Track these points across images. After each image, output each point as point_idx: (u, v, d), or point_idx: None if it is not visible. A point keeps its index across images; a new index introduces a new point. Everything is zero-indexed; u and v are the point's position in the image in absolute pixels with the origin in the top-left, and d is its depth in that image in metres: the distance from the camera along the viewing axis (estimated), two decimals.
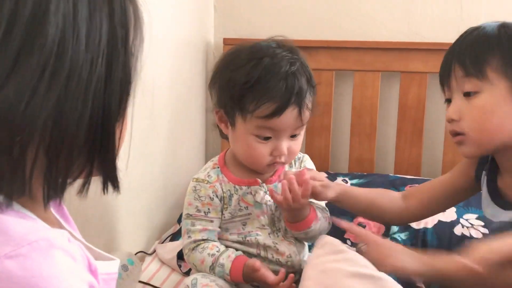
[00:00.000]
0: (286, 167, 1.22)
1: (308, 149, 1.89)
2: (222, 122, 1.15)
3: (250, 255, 1.14)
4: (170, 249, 1.38)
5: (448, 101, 1.04)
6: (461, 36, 1.03)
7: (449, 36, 1.80)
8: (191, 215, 1.14)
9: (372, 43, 1.82)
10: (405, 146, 1.84)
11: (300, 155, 1.25)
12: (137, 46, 0.56)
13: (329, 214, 1.21)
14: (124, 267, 1.14)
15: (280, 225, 1.17)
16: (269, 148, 1.09)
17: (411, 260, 0.91)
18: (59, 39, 0.47)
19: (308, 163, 1.25)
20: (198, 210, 1.13)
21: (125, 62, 0.53)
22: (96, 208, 1.22)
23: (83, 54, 0.48)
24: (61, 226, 0.58)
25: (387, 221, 1.31)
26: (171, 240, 1.45)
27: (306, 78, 1.10)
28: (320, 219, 1.16)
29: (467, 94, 0.97)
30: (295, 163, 1.23)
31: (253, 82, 1.05)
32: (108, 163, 0.54)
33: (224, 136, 1.19)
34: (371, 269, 0.87)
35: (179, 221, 1.56)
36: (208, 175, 1.16)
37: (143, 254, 1.42)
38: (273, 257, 1.14)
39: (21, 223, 0.48)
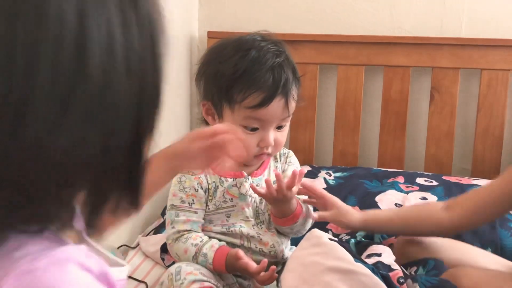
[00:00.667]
0: (271, 161, 1.23)
1: (292, 142, 1.89)
2: (209, 115, 1.15)
3: (233, 245, 1.15)
4: (153, 242, 1.38)
5: None
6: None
7: (432, 30, 1.84)
8: (175, 206, 1.15)
9: (355, 37, 1.83)
10: (388, 139, 1.85)
11: (285, 150, 1.26)
12: (163, 60, 0.53)
13: (312, 209, 1.22)
14: None
15: (264, 218, 1.18)
16: (256, 139, 1.11)
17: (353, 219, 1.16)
18: (101, 77, 0.44)
19: (293, 159, 1.27)
20: (183, 201, 1.14)
21: (155, 80, 0.50)
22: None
23: (124, 86, 0.46)
24: (80, 238, 0.57)
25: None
26: (155, 233, 1.45)
27: (292, 70, 1.12)
28: (306, 214, 1.18)
29: None
30: (280, 158, 1.24)
31: (240, 72, 1.07)
32: (138, 186, 0.52)
33: None
34: (348, 262, 0.88)
35: (163, 214, 1.56)
36: None
37: (126, 247, 1.42)
38: (256, 247, 1.15)
39: (42, 240, 0.47)
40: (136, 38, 0.47)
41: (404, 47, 1.80)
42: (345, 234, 1.38)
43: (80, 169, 0.45)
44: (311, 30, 1.88)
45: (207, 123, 1.18)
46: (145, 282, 1.21)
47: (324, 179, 1.61)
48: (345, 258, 0.89)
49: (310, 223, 1.21)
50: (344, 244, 0.94)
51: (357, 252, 1.20)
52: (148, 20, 0.48)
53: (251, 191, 1.15)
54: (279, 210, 1.13)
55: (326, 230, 1.40)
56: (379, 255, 1.06)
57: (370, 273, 0.87)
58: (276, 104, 1.08)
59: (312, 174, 1.65)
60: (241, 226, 1.15)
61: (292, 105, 1.12)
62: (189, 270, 1.07)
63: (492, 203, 1.06)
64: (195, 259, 1.10)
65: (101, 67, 0.44)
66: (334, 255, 0.90)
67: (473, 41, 1.76)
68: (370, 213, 1.24)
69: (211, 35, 1.86)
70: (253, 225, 1.17)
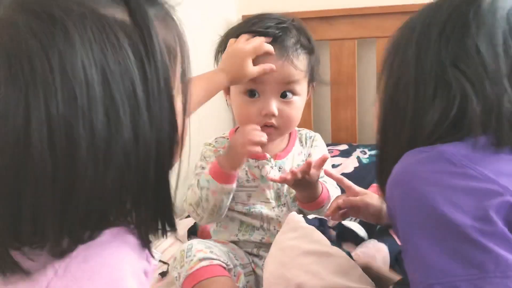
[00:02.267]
0: (297, 144, 1.21)
1: (334, 121, 1.87)
2: (225, 91, 1.17)
3: (253, 227, 1.16)
4: (183, 226, 1.43)
5: None
6: None
7: None
8: (196, 174, 1.16)
9: (394, 7, 1.75)
10: None
11: (312, 134, 1.24)
12: (181, 73, 0.58)
13: (340, 191, 1.20)
14: None
15: (285, 200, 1.17)
16: (258, 108, 1.09)
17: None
18: (132, 133, 0.50)
19: (319, 142, 1.24)
20: (203, 168, 1.15)
21: (171, 117, 0.55)
22: None
23: (148, 132, 0.51)
24: None
25: None
26: (188, 217, 1.50)
27: (297, 39, 1.10)
28: (332, 197, 1.15)
29: None
30: (306, 142, 1.22)
31: (239, 30, 1.10)
32: (166, 208, 0.57)
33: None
34: (325, 245, 0.87)
35: None
36: (216, 141, 1.19)
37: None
38: (275, 229, 1.15)
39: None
40: (155, 87, 0.51)
41: None
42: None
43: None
44: (346, 4, 1.82)
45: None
46: (167, 263, 1.26)
47: (358, 157, 1.58)
48: (322, 241, 0.88)
49: None
50: (324, 231, 0.92)
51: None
52: (162, 65, 0.53)
53: (272, 174, 1.14)
54: (304, 195, 1.10)
55: None
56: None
57: (347, 256, 0.85)
58: (270, 61, 1.05)
59: (347, 154, 1.62)
60: (261, 207, 1.16)
61: (292, 70, 1.07)
62: (199, 248, 1.07)
63: None
64: (198, 184, 1.09)
65: (130, 124, 0.49)
66: (311, 238, 0.89)
67: None
68: None
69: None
70: (273, 207, 1.16)
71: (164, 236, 0.59)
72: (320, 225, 0.94)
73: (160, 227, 0.57)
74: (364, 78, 1.86)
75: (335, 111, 1.86)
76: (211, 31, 1.80)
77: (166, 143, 0.54)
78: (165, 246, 1.38)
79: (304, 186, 1.08)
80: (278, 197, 1.17)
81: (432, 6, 0.73)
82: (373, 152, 1.61)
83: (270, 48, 1.06)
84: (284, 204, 1.17)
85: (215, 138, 1.21)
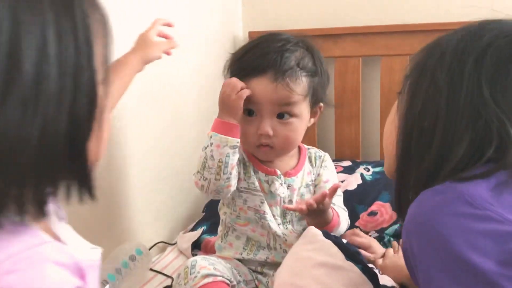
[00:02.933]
0: (306, 163, 1.21)
1: (338, 137, 1.88)
2: None
3: (259, 246, 1.17)
4: (187, 239, 1.44)
5: None
6: None
7: (482, 13, 1.73)
8: None
9: (398, 26, 1.77)
10: None
11: (321, 153, 1.25)
12: (104, 57, 0.59)
13: (347, 214, 1.22)
14: (131, 257, 1.21)
15: (290, 218, 1.18)
16: (255, 127, 1.11)
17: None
18: (34, 73, 0.51)
19: (329, 163, 1.25)
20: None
21: (91, 79, 0.56)
22: (111, 201, 1.30)
23: (56, 81, 0.52)
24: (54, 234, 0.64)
25: None
26: (193, 230, 1.51)
27: (299, 61, 1.10)
28: (342, 222, 1.18)
29: None
30: (315, 161, 1.23)
31: (240, 56, 1.13)
32: (84, 173, 0.59)
33: None
34: (339, 259, 0.88)
35: (203, 211, 1.62)
36: None
37: (164, 244, 1.50)
38: (280, 247, 1.16)
39: (21, 239, 0.55)
40: (70, 44, 0.53)
41: None
42: (374, 231, 1.36)
43: (21, 153, 0.52)
44: (352, 23, 1.84)
45: None
46: (171, 277, 1.27)
47: (361, 174, 1.59)
48: (337, 255, 0.89)
49: (346, 227, 1.20)
50: (341, 243, 0.94)
51: None
52: (83, 27, 0.55)
53: (280, 191, 1.16)
54: (316, 222, 1.11)
55: (355, 227, 1.39)
56: None
57: (359, 271, 0.86)
58: (265, 84, 1.07)
59: (351, 170, 1.63)
60: (270, 220, 1.16)
61: (286, 93, 1.08)
62: (203, 265, 1.09)
63: None
64: (203, 149, 1.10)
65: (34, 67, 0.51)
66: (326, 251, 0.90)
67: None
68: None
69: (252, 35, 1.89)
70: (278, 224, 1.17)
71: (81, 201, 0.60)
72: (336, 239, 0.95)
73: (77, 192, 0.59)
74: (368, 95, 1.88)
75: (339, 127, 1.87)
76: (217, 47, 1.83)
77: (82, 112, 0.55)
78: (169, 260, 1.39)
79: (316, 214, 1.09)
80: (284, 214, 1.18)
81: (467, 31, 0.70)
82: (376, 169, 1.62)
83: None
84: (289, 221, 1.18)
85: None
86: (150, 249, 1.41)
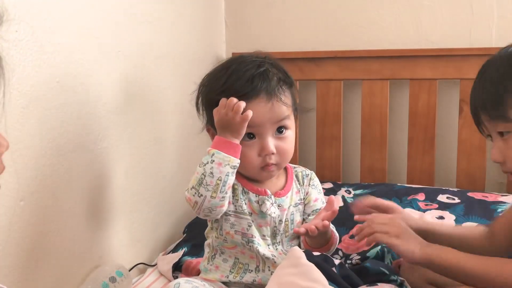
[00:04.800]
0: (294, 183, 1.23)
1: (319, 159, 1.89)
2: (210, 132, 1.20)
3: (246, 269, 1.16)
4: (168, 261, 1.42)
5: (489, 136, 1.02)
6: (478, 74, 1.01)
7: (460, 41, 1.78)
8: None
9: (379, 51, 1.81)
10: (417, 154, 1.80)
11: (308, 172, 1.27)
12: None
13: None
14: (112, 279, 1.19)
15: (280, 239, 1.18)
16: (256, 149, 1.13)
17: (417, 247, 1.02)
18: None
19: (316, 181, 1.27)
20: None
21: None
22: (91, 220, 1.29)
23: None
24: None
25: None
26: (173, 251, 1.49)
27: (278, 77, 1.14)
28: (337, 239, 1.21)
29: (501, 134, 0.97)
30: (303, 180, 1.24)
31: (223, 88, 1.12)
32: None
33: None
34: (322, 285, 0.88)
35: (184, 232, 1.61)
36: None
37: (144, 265, 1.48)
38: (269, 270, 1.15)
39: None
40: None
41: (430, 60, 1.76)
42: (356, 254, 1.36)
43: None
44: (334, 47, 1.87)
45: None
46: None
47: (343, 197, 1.60)
48: (320, 280, 0.90)
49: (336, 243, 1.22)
50: (325, 268, 0.94)
51: (362, 278, 1.19)
52: None
53: (271, 211, 1.16)
54: (316, 242, 1.14)
55: (337, 250, 1.39)
56: None
57: None
58: (261, 106, 1.10)
59: (332, 192, 1.64)
60: (258, 243, 1.15)
61: (282, 108, 1.13)
62: (187, 287, 1.08)
63: None
64: (201, 165, 1.10)
65: None
66: (309, 276, 0.91)
67: None
68: (430, 224, 1.22)
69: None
70: (268, 245, 1.17)
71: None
72: (325, 261, 0.95)
73: None
74: (349, 118, 1.90)
75: (321, 149, 1.89)
76: (201, 68, 1.84)
77: None
78: (149, 282, 1.38)
79: (318, 234, 1.11)
80: (274, 235, 1.18)
81: None
82: (357, 192, 1.64)
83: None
84: (279, 242, 1.18)
85: None
86: (130, 270, 1.39)
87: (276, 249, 1.17)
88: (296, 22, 1.94)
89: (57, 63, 1.14)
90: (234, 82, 1.11)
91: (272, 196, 1.17)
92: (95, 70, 1.27)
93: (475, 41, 1.76)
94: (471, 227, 1.21)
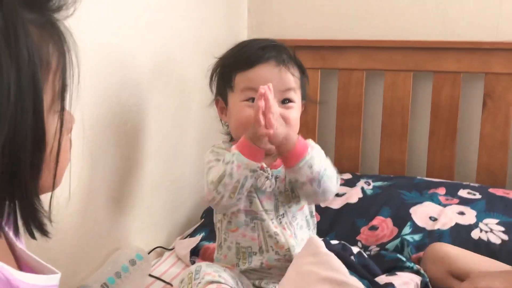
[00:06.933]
0: None
1: (338, 150, 1.88)
2: (222, 112, 1.23)
3: (250, 252, 1.16)
4: (186, 245, 1.43)
5: None
6: None
7: (486, 34, 1.75)
8: (209, 168, 1.15)
9: (403, 42, 1.78)
10: (438, 148, 1.79)
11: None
12: (59, 87, 0.56)
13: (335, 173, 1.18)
14: (131, 262, 1.20)
15: (284, 210, 1.17)
16: None
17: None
18: None
19: (311, 142, 1.19)
20: (217, 160, 1.14)
21: (36, 113, 0.53)
22: (108, 205, 1.30)
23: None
24: (6, 250, 0.62)
25: None
26: (191, 236, 1.50)
27: (289, 55, 1.19)
28: (316, 157, 1.12)
29: None
30: None
31: (235, 56, 1.19)
32: (27, 205, 0.55)
33: (226, 132, 1.26)
34: (342, 274, 0.88)
35: (202, 217, 1.61)
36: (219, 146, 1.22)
37: (162, 249, 1.49)
38: (272, 249, 1.15)
39: None
40: (11, 76, 0.50)
41: (455, 52, 1.73)
42: (375, 246, 1.36)
43: None
44: (358, 36, 1.85)
45: (222, 123, 1.27)
46: (170, 284, 1.26)
47: (362, 188, 1.59)
48: (340, 270, 0.89)
49: (333, 177, 1.15)
50: (345, 256, 0.94)
51: (381, 267, 1.18)
52: (28, 59, 0.51)
53: (266, 185, 1.15)
54: (282, 149, 1.08)
55: (356, 241, 1.39)
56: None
57: (363, 286, 0.86)
58: (269, 69, 1.14)
59: (351, 183, 1.63)
60: (262, 219, 1.15)
61: (290, 77, 1.15)
62: (208, 271, 1.08)
63: None
64: (224, 162, 1.08)
65: None
66: (329, 266, 0.90)
67: None
68: None
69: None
70: (272, 219, 1.17)
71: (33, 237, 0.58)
72: (343, 249, 0.95)
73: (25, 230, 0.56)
74: (370, 109, 1.88)
75: (340, 139, 1.88)
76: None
77: (25, 154, 0.52)
78: (167, 266, 1.39)
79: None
80: (276, 208, 1.17)
81: None
82: (377, 184, 1.63)
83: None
84: (283, 214, 1.17)
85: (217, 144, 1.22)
86: (148, 253, 1.40)
87: (280, 222, 1.16)
88: (318, 10, 1.91)
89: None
90: (246, 51, 1.17)
91: (268, 169, 1.16)
92: (123, 54, 1.27)
93: (502, 34, 1.73)
94: None
